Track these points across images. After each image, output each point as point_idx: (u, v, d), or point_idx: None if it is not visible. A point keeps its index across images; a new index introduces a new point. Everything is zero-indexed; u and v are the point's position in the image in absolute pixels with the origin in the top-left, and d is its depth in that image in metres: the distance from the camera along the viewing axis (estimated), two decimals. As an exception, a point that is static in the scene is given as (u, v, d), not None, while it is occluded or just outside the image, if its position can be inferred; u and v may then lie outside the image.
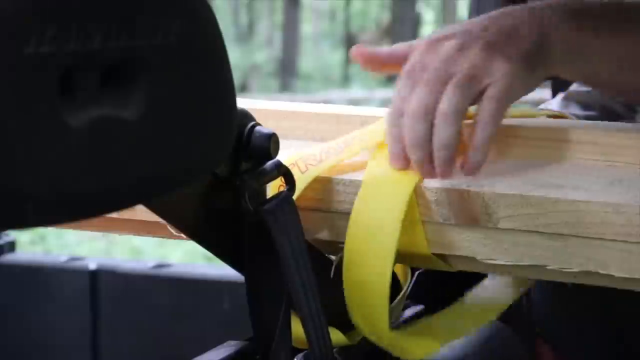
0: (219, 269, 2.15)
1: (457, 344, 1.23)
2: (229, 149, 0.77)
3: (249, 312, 0.88)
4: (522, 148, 0.98)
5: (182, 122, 0.68)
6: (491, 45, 0.91)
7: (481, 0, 1.38)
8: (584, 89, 1.51)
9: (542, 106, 1.53)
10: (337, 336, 0.97)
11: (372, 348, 1.01)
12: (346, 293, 0.91)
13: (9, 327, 2.25)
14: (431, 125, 0.88)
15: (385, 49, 0.98)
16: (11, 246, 2.33)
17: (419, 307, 1.16)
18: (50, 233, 5.24)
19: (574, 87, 1.55)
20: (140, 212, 0.82)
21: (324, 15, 15.29)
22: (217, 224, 0.85)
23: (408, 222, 0.89)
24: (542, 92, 1.87)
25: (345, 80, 12.47)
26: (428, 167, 0.88)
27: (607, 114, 1.46)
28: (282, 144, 0.86)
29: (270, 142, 0.84)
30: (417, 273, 1.21)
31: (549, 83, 1.74)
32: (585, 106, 1.50)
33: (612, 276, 0.84)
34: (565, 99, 1.50)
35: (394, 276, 1.16)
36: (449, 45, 0.92)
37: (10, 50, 0.56)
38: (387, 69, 0.98)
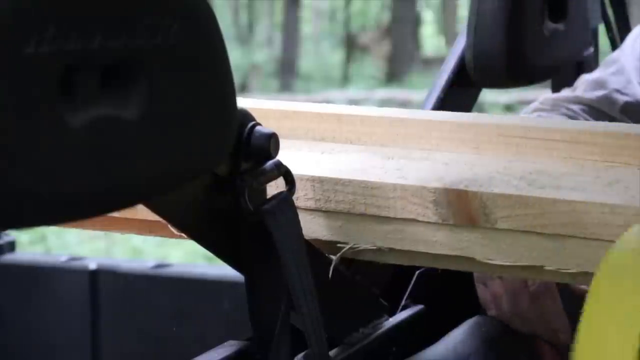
0: (219, 269, 2.14)
1: (451, 339, 1.23)
2: (229, 148, 0.78)
3: (249, 311, 0.88)
4: (520, 148, 0.98)
5: (182, 122, 0.68)
6: None
7: (481, 0, 1.38)
8: (573, 94, 1.51)
9: (530, 107, 1.53)
10: None
11: (372, 348, 1.02)
12: None
13: (9, 327, 2.25)
14: None
15: None
16: (11, 246, 2.32)
17: (418, 307, 1.16)
18: (50, 233, 5.23)
19: (564, 92, 1.55)
20: (141, 212, 0.83)
21: (324, 15, 15.28)
22: (217, 224, 0.85)
23: None
24: (543, 92, 1.88)
25: (345, 80, 12.46)
26: None
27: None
28: (283, 143, 0.86)
29: (270, 142, 0.84)
30: (417, 273, 1.22)
31: (549, 83, 1.74)
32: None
33: (610, 276, 0.84)
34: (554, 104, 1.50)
35: (394, 278, 1.17)
36: None
37: (10, 50, 0.56)
38: None
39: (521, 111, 1.60)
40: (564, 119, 1.44)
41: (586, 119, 1.47)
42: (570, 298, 1.24)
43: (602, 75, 1.52)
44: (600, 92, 1.49)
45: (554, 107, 1.49)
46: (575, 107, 1.49)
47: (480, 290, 1.25)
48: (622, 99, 1.48)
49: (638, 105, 1.48)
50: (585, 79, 1.54)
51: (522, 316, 1.23)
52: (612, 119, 1.47)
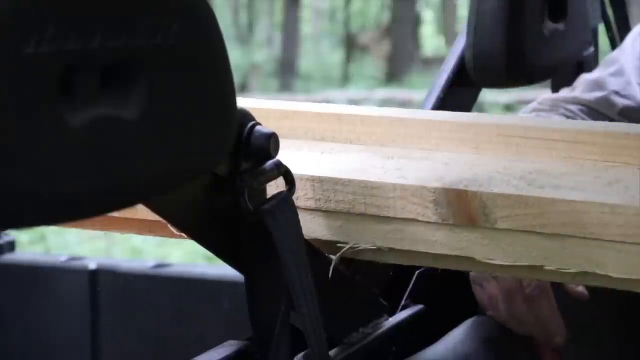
0: (219, 269, 2.14)
1: (451, 339, 1.23)
2: (229, 148, 0.78)
3: (249, 311, 0.88)
4: (520, 148, 0.98)
5: (182, 122, 0.68)
6: None
7: (481, 0, 1.38)
8: (572, 95, 1.51)
9: (529, 107, 1.53)
10: None
11: (372, 348, 1.02)
12: None
13: (9, 327, 2.25)
14: None
15: None
16: (11, 246, 2.32)
17: (418, 307, 1.16)
18: (50, 233, 5.23)
19: (563, 92, 1.55)
20: (142, 212, 0.83)
21: (324, 15, 15.29)
22: (217, 224, 0.85)
23: None
24: (542, 92, 1.88)
25: (345, 80, 12.47)
26: None
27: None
28: (283, 143, 0.86)
29: (270, 142, 0.84)
30: (417, 273, 1.22)
31: (549, 83, 1.75)
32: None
33: (610, 277, 0.84)
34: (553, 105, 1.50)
35: (394, 278, 1.17)
36: None
37: (10, 50, 0.56)
38: None
39: (522, 111, 1.60)
40: (563, 119, 1.44)
41: (584, 120, 1.46)
42: (566, 300, 1.24)
43: (601, 76, 1.52)
44: (599, 94, 1.49)
45: (553, 107, 1.49)
46: (574, 108, 1.49)
47: (478, 291, 1.26)
48: (621, 102, 1.48)
49: (637, 109, 1.48)
50: (584, 79, 1.53)
51: (518, 318, 1.23)
52: (610, 120, 1.47)
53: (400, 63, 12.36)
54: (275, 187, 0.87)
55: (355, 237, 0.94)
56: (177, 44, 0.66)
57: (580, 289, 1.23)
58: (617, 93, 1.48)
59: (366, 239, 0.93)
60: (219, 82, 0.71)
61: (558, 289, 1.23)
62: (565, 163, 0.95)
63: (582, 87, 1.51)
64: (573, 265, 0.85)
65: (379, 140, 1.04)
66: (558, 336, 1.23)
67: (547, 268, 0.86)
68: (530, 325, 1.23)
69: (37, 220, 0.60)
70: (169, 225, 0.86)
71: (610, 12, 1.94)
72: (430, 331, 1.23)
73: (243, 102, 0.94)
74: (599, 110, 1.48)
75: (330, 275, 0.94)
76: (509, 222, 0.86)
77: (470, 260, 0.90)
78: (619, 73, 1.50)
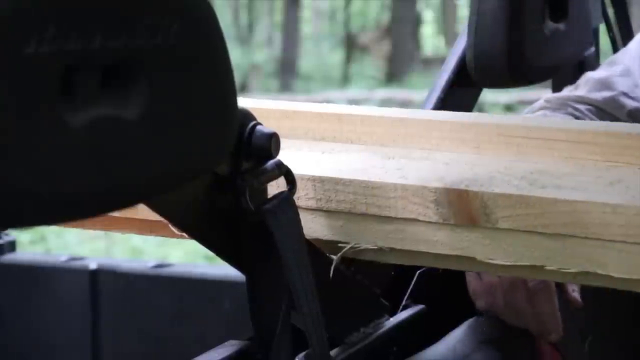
0: (219, 269, 2.15)
1: (452, 339, 1.23)
2: (230, 148, 0.78)
3: (250, 311, 0.88)
4: (521, 148, 0.98)
5: (182, 122, 0.68)
6: None
7: (481, 0, 1.38)
8: (575, 94, 1.51)
9: (534, 105, 1.53)
10: None
11: (373, 347, 1.02)
12: None
13: (9, 327, 2.25)
14: None
15: None
16: (11, 246, 2.32)
17: (419, 307, 1.16)
18: (51, 233, 5.23)
19: (566, 91, 1.54)
20: (142, 211, 0.83)
21: (324, 15, 15.29)
22: (218, 223, 0.85)
23: None
24: (543, 92, 1.87)
25: (345, 80, 12.47)
26: None
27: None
28: (283, 143, 0.86)
29: (271, 142, 0.84)
30: (417, 273, 1.22)
31: (549, 83, 1.74)
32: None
33: (611, 277, 0.84)
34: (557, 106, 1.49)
35: (395, 277, 1.17)
36: None
37: (10, 50, 0.56)
38: None
39: (522, 111, 1.60)
40: (569, 118, 1.44)
41: (592, 119, 1.46)
42: (565, 301, 1.24)
43: (608, 76, 1.51)
44: (607, 94, 1.49)
45: (560, 106, 1.48)
46: (582, 107, 1.48)
47: (473, 281, 1.25)
48: (630, 103, 1.47)
49: None
50: (588, 77, 1.52)
51: (516, 310, 1.23)
52: (618, 121, 1.46)
53: (400, 63, 12.36)
54: (276, 186, 0.87)
55: (356, 237, 0.94)
56: (177, 44, 0.66)
57: (575, 294, 1.23)
58: (625, 94, 1.48)
59: (367, 239, 0.93)
60: (219, 81, 0.71)
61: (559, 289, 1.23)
62: (566, 163, 0.95)
63: (587, 86, 1.50)
64: (574, 265, 0.85)
65: (379, 140, 1.04)
66: (554, 333, 1.23)
67: (548, 268, 0.86)
68: (527, 318, 1.23)
69: (37, 220, 0.60)
70: (170, 225, 0.86)
71: (610, 12, 1.94)
72: (430, 331, 1.23)
73: (243, 102, 0.94)
74: (606, 110, 1.48)
75: (331, 275, 0.94)
76: (509, 221, 0.86)
77: (471, 260, 0.90)
78: (626, 74, 1.49)
